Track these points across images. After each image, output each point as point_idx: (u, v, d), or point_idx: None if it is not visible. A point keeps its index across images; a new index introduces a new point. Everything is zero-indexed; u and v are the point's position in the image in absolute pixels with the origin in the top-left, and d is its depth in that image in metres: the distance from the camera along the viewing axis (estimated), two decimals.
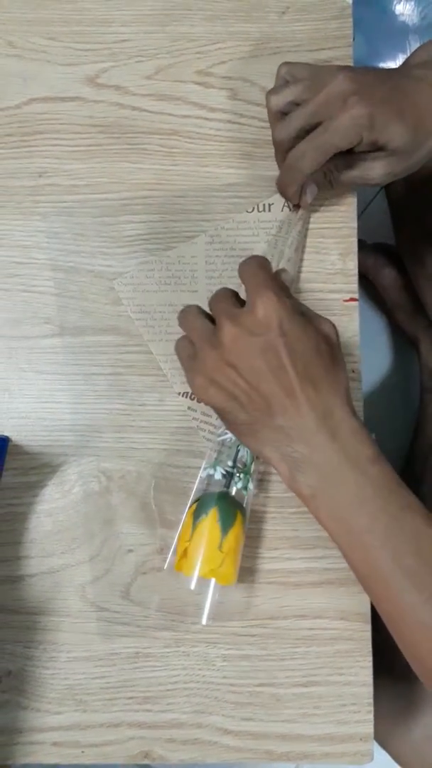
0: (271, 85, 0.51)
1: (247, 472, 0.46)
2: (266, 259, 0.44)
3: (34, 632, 0.48)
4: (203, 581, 0.45)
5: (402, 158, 0.44)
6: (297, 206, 0.50)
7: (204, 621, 0.45)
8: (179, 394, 0.50)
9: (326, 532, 0.42)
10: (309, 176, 0.46)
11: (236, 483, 0.46)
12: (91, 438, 0.49)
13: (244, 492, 0.46)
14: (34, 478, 0.49)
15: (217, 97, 0.52)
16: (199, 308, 0.44)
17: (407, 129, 0.42)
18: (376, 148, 0.44)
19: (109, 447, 0.49)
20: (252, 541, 0.49)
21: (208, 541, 0.44)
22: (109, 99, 0.52)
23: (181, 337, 0.45)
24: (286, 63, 0.46)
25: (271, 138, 0.50)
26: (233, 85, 0.52)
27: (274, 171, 0.51)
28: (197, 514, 0.45)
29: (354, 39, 0.53)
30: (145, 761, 0.48)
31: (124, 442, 0.49)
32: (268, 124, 0.51)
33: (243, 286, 0.43)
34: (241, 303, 0.43)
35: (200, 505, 0.45)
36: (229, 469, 0.46)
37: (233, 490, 0.46)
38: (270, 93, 0.46)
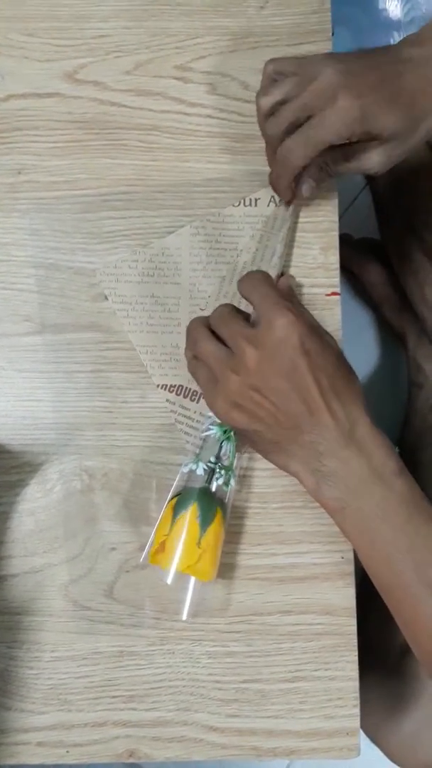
0: (250, 79, 0.51)
1: (229, 469, 0.46)
2: (269, 275, 0.44)
3: (17, 632, 0.48)
4: (182, 577, 0.44)
5: (398, 143, 0.44)
6: (288, 202, 0.49)
7: (184, 616, 0.45)
8: (159, 386, 0.49)
9: (349, 542, 0.43)
10: (300, 170, 0.45)
11: (218, 479, 0.46)
12: (73, 436, 0.49)
13: (225, 488, 0.46)
14: (15, 477, 0.49)
15: (197, 92, 0.52)
16: (207, 329, 0.44)
17: (400, 115, 0.42)
18: (371, 138, 0.43)
19: (91, 445, 0.49)
20: (235, 537, 0.49)
21: (186, 537, 0.44)
22: (88, 95, 0.52)
23: (195, 360, 0.45)
24: (273, 60, 0.46)
25: (252, 133, 0.51)
26: (213, 79, 0.52)
27: (255, 166, 0.51)
28: (177, 508, 0.45)
29: (335, 34, 0.53)
30: (131, 760, 0.48)
31: (106, 439, 0.49)
32: (248, 119, 0.51)
33: (246, 301, 0.44)
34: (246, 318, 0.44)
35: (180, 500, 0.45)
36: (211, 465, 0.46)
37: (214, 486, 0.46)
38: (259, 94, 0.45)
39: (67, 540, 0.48)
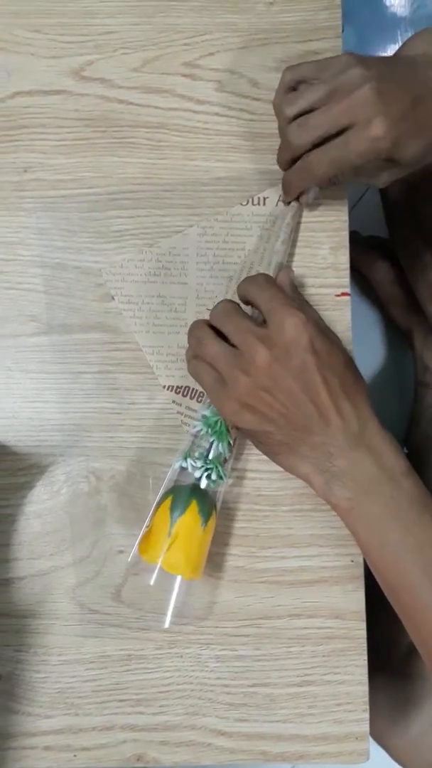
0: (259, 76, 0.51)
1: (215, 464, 0.46)
2: (271, 277, 0.44)
3: (24, 635, 0.47)
4: (168, 578, 0.45)
5: (408, 168, 0.44)
6: (290, 201, 0.49)
7: (167, 624, 0.45)
8: (164, 387, 0.49)
9: (357, 543, 0.43)
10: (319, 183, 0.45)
11: (207, 475, 0.46)
12: (80, 437, 0.49)
13: (212, 484, 0.46)
14: (22, 479, 0.48)
15: (205, 90, 0.51)
16: (211, 330, 0.44)
17: (422, 145, 0.42)
18: (386, 162, 0.43)
19: (99, 446, 0.49)
20: (245, 540, 0.48)
21: (158, 528, 0.45)
22: (95, 92, 0.51)
23: (197, 361, 0.44)
24: (291, 68, 0.44)
25: (261, 131, 0.50)
26: (221, 77, 0.51)
27: (263, 164, 0.50)
28: (176, 506, 0.45)
29: (343, 30, 0.52)
30: (139, 764, 0.47)
31: (114, 441, 0.49)
32: (257, 117, 0.51)
33: (250, 305, 0.44)
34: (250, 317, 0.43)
35: (178, 498, 0.45)
36: (196, 461, 0.46)
37: (203, 483, 0.46)
38: (284, 103, 0.43)
39: (74, 542, 0.48)
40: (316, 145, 0.43)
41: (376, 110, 0.40)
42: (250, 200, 0.50)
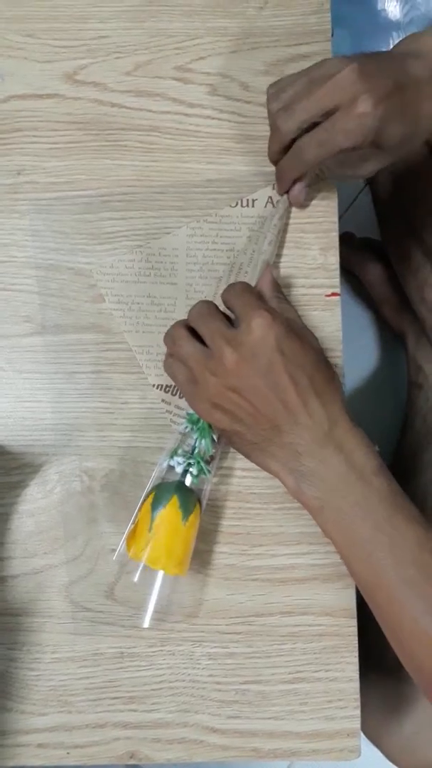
0: (250, 80, 0.51)
1: (197, 459, 0.46)
2: (248, 284, 0.45)
3: (17, 633, 0.48)
4: (150, 575, 0.45)
5: (392, 154, 0.44)
6: (284, 192, 0.49)
7: (146, 623, 0.46)
8: (154, 386, 0.49)
9: (331, 542, 0.42)
10: (311, 168, 0.46)
11: (190, 471, 0.46)
12: (73, 437, 0.49)
13: (195, 480, 0.46)
14: (16, 479, 0.49)
15: (197, 93, 0.52)
16: (187, 330, 0.44)
17: (405, 129, 0.42)
18: (370, 145, 0.43)
19: (92, 446, 0.49)
20: (236, 538, 0.49)
21: (140, 523, 0.45)
22: (88, 96, 0.52)
23: (171, 359, 0.45)
24: (272, 85, 0.45)
25: (252, 134, 0.51)
26: (213, 80, 0.52)
27: (255, 167, 0.51)
28: (157, 502, 0.45)
29: (334, 35, 0.53)
30: (131, 761, 0.48)
31: (107, 440, 0.49)
32: (248, 120, 0.51)
33: (228, 309, 0.44)
34: (227, 319, 0.44)
35: (159, 494, 0.46)
36: (181, 458, 0.46)
37: (187, 479, 0.46)
38: (269, 99, 0.45)
39: (67, 541, 0.48)
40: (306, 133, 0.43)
41: (361, 88, 0.40)
42: (239, 202, 0.51)
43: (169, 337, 0.45)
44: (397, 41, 0.88)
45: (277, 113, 0.44)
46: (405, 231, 0.71)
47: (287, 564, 0.49)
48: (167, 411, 0.49)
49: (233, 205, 0.51)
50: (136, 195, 0.51)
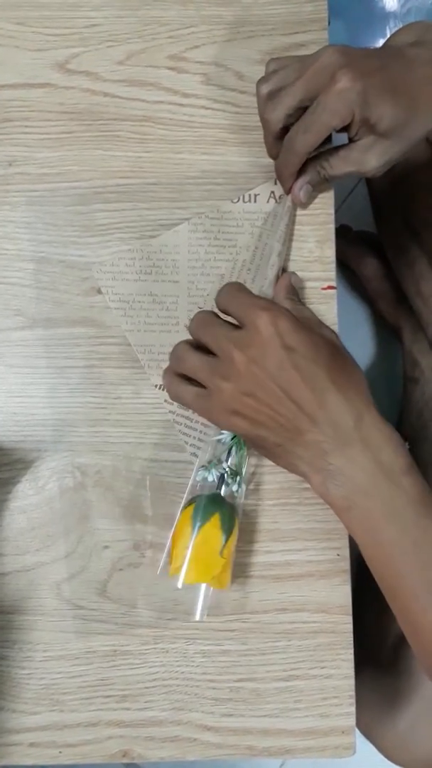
0: (245, 69, 0.51)
1: (237, 473, 0.45)
2: (241, 284, 0.44)
3: (9, 632, 0.47)
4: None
5: (395, 142, 0.43)
6: (288, 192, 0.49)
7: (197, 617, 0.45)
8: (155, 386, 0.49)
9: (356, 541, 0.41)
10: (305, 159, 0.45)
11: (230, 485, 0.45)
12: (66, 432, 0.48)
13: (236, 494, 0.46)
14: (7, 475, 0.48)
15: (191, 83, 0.51)
16: (189, 345, 0.44)
17: (399, 108, 0.41)
18: (368, 132, 0.42)
19: (84, 441, 0.48)
20: None
21: (211, 548, 0.43)
22: (80, 85, 0.51)
23: (172, 381, 0.44)
24: (274, 59, 0.45)
25: (247, 124, 0.50)
26: (207, 69, 0.51)
27: (250, 157, 0.50)
28: (197, 518, 0.44)
29: (331, 24, 0.52)
30: (124, 760, 0.47)
31: (100, 436, 0.48)
32: (243, 110, 0.50)
33: (225, 313, 0.43)
34: (229, 324, 0.43)
35: (199, 509, 0.44)
36: (222, 471, 0.45)
37: (223, 491, 0.45)
38: (260, 81, 0.45)
39: (59, 538, 0.48)
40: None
41: (339, 64, 0.40)
42: (241, 197, 0.50)
43: (174, 357, 0.44)
44: (392, 31, 0.87)
45: (264, 104, 0.44)
46: (401, 225, 0.70)
47: (282, 560, 0.48)
48: (170, 411, 0.48)
49: (234, 200, 0.50)
50: (130, 186, 0.50)
